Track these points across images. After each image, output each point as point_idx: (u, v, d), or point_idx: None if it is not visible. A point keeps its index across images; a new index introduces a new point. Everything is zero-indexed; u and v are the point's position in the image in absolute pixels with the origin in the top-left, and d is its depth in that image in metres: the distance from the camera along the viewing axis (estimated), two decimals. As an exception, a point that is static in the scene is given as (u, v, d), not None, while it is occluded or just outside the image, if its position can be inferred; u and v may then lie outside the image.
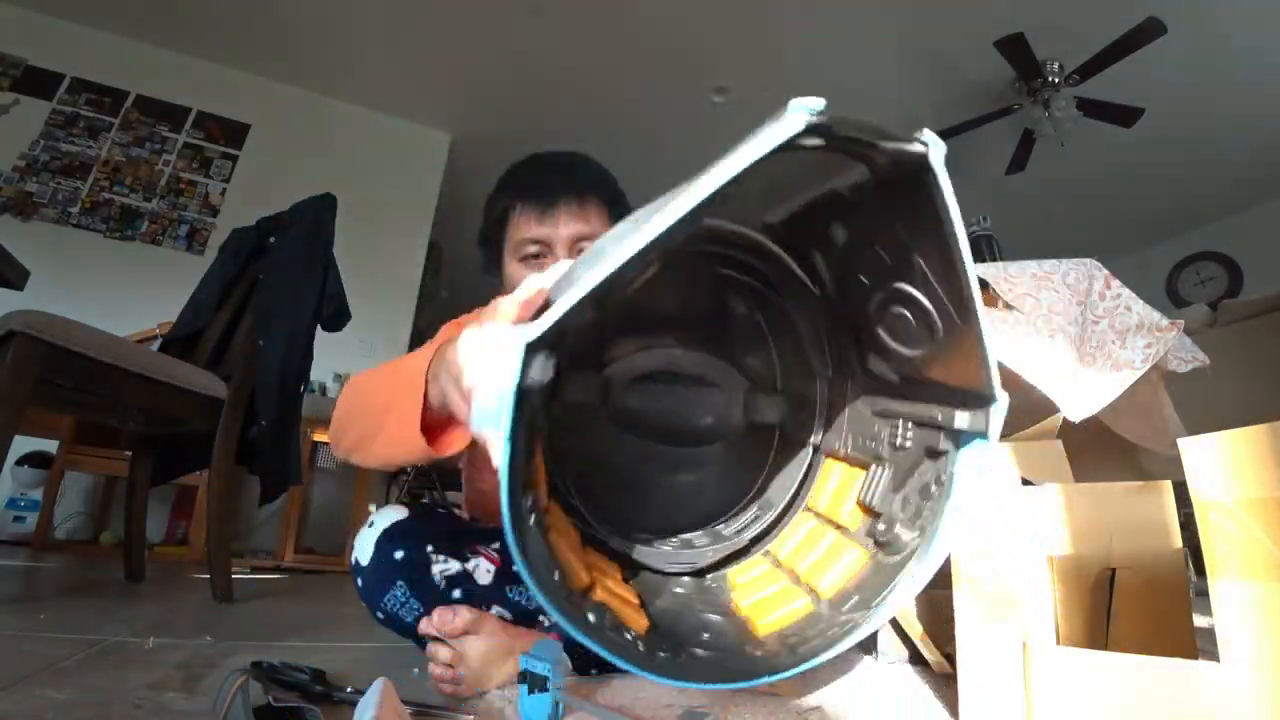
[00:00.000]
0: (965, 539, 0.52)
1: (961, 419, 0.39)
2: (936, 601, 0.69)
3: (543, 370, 0.33)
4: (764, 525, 0.54)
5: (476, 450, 0.88)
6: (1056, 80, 2.99)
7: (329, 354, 2.56)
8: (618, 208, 0.82)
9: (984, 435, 0.38)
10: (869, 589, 0.41)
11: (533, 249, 0.77)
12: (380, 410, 0.57)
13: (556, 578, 0.37)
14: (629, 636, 0.39)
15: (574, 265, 0.42)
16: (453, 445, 0.54)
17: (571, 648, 0.72)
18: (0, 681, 0.57)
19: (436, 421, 0.53)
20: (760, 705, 0.60)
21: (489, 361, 0.37)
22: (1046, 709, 0.43)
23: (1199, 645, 0.52)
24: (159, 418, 1.31)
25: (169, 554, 2.30)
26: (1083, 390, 0.99)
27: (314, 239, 1.42)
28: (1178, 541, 0.54)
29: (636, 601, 0.46)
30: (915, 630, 0.70)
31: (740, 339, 0.57)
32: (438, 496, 2.96)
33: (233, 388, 1.33)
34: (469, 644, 0.63)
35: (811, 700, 0.62)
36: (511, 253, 0.79)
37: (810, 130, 0.34)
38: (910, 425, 0.44)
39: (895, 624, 0.80)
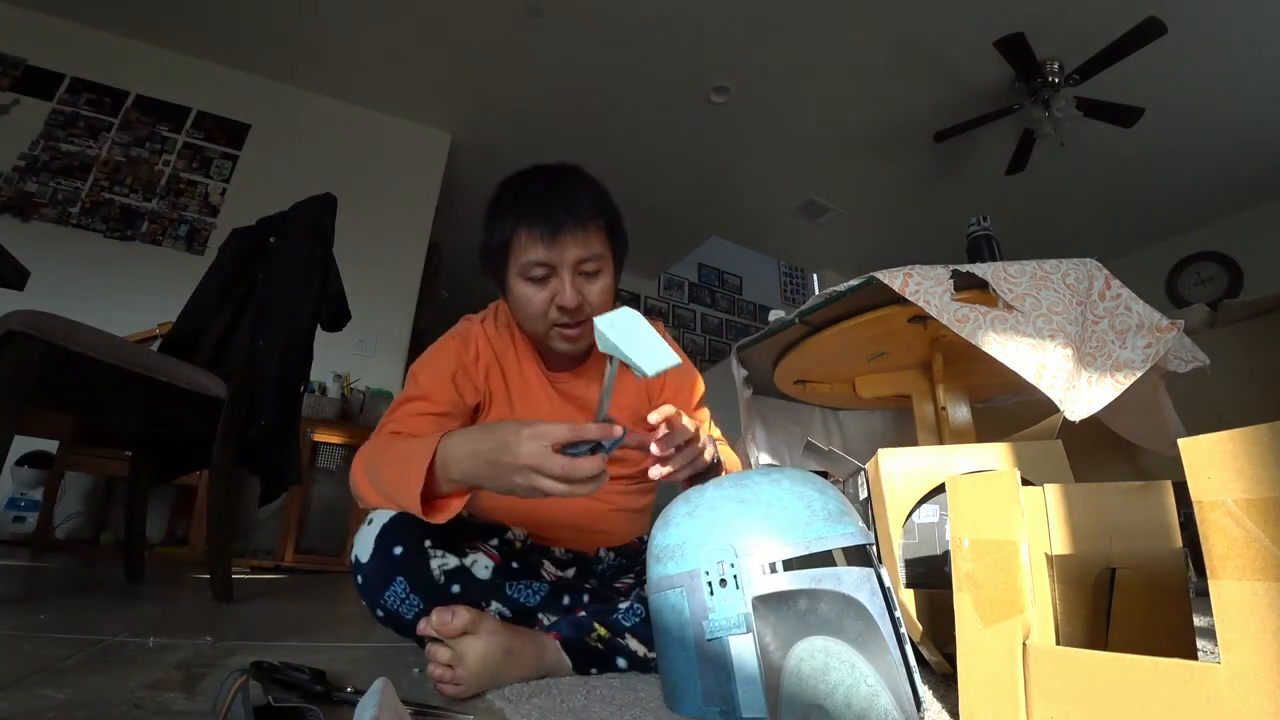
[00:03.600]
0: (964, 539, 0.52)
1: None
2: (936, 601, 0.69)
3: None
4: None
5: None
6: (1056, 80, 2.99)
7: (329, 354, 2.56)
8: (615, 229, 0.88)
9: None
10: None
11: (539, 272, 0.82)
12: (389, 480, 0.73)
13: None
14: None
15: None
16: (447, 513, 0.68)
17: (571, 648, 0.72)
18: (0, 681, 0.57)
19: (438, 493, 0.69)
20: (760, 705, 0.60)
21: None
22: (1046, 709, 0.43)
23: (1199, 645, 0.52)
24: (159, 418, 1.31)
25: (169, 554, 2.29)
26: (1083, 390, 0.99)
27: (314, 239, 1.42)
28: (1178, 541, 0.54)
29: None
30: (915, 630, 0.70)
31: None
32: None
33: (233, 388, 1.32)
34: (468, 644, 0.63)
35: (811, 700, 0.62)
36: (518, 273, 0.84)
37: None
38: None
39: (895, 624, 0.80)
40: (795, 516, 0.57)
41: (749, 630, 0.54)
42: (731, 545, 0.56)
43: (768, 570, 0.55)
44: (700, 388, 1.04)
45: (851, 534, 0.58)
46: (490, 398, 0.92)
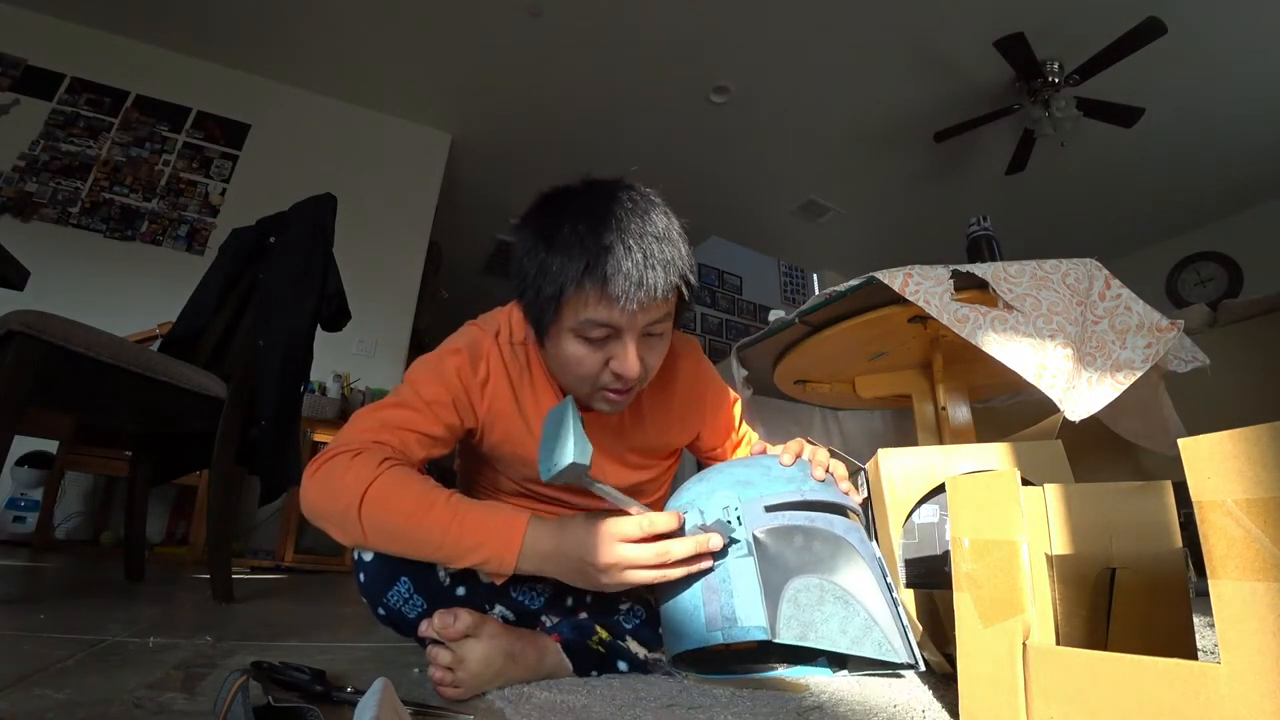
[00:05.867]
0: (964, 539, 0.53)
1: None
2: (937, 601, 0.69)
3: None
4: None
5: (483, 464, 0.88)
6: (1056, 80, 2.99)
7: (329, 354, 2.56)
8: (689, 283, 0.74)
9: None
10: None
11: (600, 333, 0.70)
12: (423, 539, 0.66)
13: None
14: None
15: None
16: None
17: (571, 650, 0.72)
18: (0, 681, 0.57)
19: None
20: (761, 704, 0.60)
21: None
22: (1046, 709, 0.43)
23: (1199, 645, 0.52)
24: (159, 418, 1.31)
25: (169, 554, 2.29)
26: (1083, 390, 0.98)
27: (314, 239, 1.42)
28: (1178, 541, 0.54)
29: None
30: (915, 630, 0.70)
31: None
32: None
33: (233, 388, 1.33)
34: (469, 647, 0.63)
35: (811, 700, 0.62)
36: (573, 329, 0.71)
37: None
38: None
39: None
40: (791, 474, 0.68)
41: (750, 554, 0.61)
42: (736, 494, 0.65)
43: (766, 510, 0.63)
44: (737, 408, 0.99)
45: (840, 497, 0.68)
46: (493, 426, 0.82)
